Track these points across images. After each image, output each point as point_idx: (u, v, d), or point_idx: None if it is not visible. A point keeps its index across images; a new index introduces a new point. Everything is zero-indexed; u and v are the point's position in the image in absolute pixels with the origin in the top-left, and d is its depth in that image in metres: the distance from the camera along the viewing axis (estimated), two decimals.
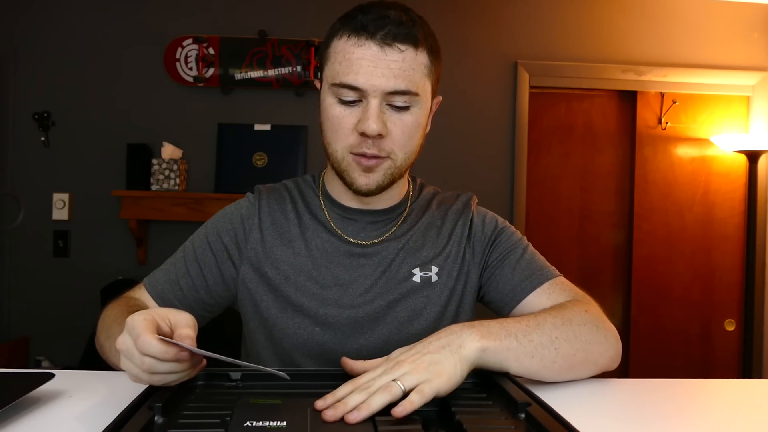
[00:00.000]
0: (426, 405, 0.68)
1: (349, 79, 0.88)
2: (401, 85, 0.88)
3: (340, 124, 0.91)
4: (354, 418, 0.63)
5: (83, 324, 2.65)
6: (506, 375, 0.78)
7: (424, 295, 0.99)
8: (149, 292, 1.01)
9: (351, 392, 0.68)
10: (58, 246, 2.85)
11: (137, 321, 0.68)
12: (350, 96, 0.89)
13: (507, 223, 1.09)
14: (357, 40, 0.88)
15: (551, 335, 0.83)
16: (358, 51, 0.88)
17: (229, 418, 0.62)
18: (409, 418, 0.64)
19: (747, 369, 2.95)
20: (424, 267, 1.00)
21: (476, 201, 1.09)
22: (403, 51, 0.88)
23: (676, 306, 3.10)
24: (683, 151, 3.11)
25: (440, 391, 0.69)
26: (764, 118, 3.08)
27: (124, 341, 0.68)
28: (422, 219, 1.05)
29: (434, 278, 1.00)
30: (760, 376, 2.98)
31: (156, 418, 0.62)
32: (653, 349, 3.06)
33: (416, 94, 0.90)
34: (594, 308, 0.92)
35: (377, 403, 0.65)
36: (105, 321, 0.93)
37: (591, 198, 3.13)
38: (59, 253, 2.85)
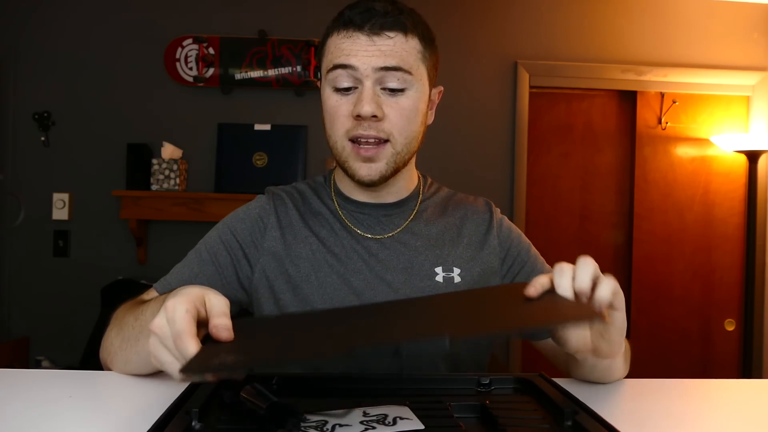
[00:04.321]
0: (467, 412, 0.67)
1: (341, 60, 0.90)
2: (392, 62, 0.90)
3: (337, 112, 0.93)
4: (534, 292, 0.68)
5: (83, 324, 2.65)
6: (546, 379, 0.76)
7: None
8: None
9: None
10: (58, 246, 2.85)
11: (179, 314, 0.61)
12: (345, 81, 0.91)
13: (521, 233, 1.08)
14: (346, 32, 0.91)
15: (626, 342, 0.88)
16: (348, 41, 0.91)
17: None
18: (451, 425, 0.62)
19: (747, 369, 2.95)
20: (447, 267, 0.98)
21: (494, 206, 1.09)
22: (392, 38, 0.91)
23: (676, 306, 3.10)
24: (683, 151, 3.11)
25: (608, 292, 0.69)
26: (764, 118, 3.08)
27: (160, 326, 0.62)
28: (440, 218, 1.04)
29: (457, 279, 0.98)
30: (760, 376, 2.97)
31: (193, 423, 0.61)
32: (653, 348, 3.06)
33: (409, 73, 0.91)
34: None
35: (603, 290, 0.68)
36: (119, 318, 0.90)
37: (591, 198, 3.13)
38: (59, 253, 2.85)
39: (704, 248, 3.11)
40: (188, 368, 0.57)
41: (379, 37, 0.90)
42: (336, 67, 0.91)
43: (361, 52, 0.90)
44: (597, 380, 0.91)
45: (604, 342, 0.74)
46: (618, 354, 0.79)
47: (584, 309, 0.66)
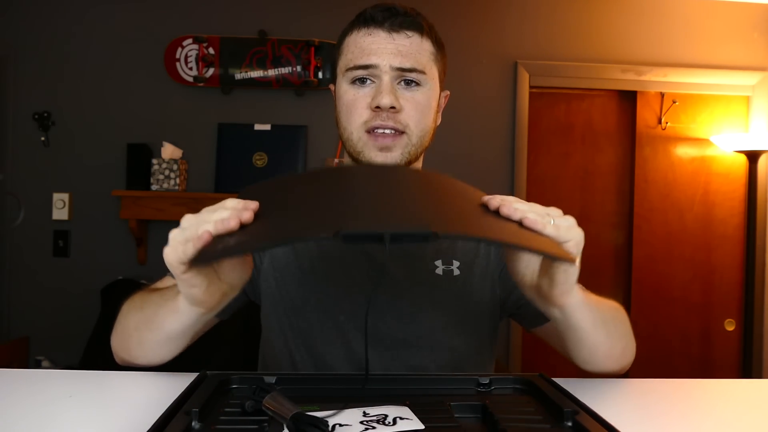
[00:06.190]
0: (467, 412, 0.67)
1: (362, 60, 0.95)
2: (409, 63, 0.94)
3: (355, 105, 0.96)
4: (508, 211, 0.68)
5: (83, 324, 2.65)
6: (546, 379, 0.76)
7: (446, 288, 0.99)
8: None
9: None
10: (58, 246, 2.85)
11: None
12: (363, 75, 0.95)
13: None
14: (367, 29, 0.96)
15: (610, 315, 0.91)
16: (368, 38, 0.95)
17: (266, 425, 0.61)
18: (451, 425, 0.62)
19: (747, 369, 2.95)
20: (446, 259, 1.00)
21: None
22: (410, 37, 0.95)
23: (676, 306, 3.10)
24: (683, 151, 3.11)
25: (581, 240, 0.70)
26: (764, 118, 3.08)
27: (187, 218, 0.68)
28: None
29: (456, 272, 1.00)
30: (760, 376, 2.97)
31: (193, 423, 0.61)
32: (653, 349, 3.06)
33: (423, 72, 0.96)
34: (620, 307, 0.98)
35: (531, 216, 0.68)
36: (136, 301, 0.89)
37: (591, 198, 3.13)
38: (59, 253, 2.85)
39: (704, 248, 3.11)
40: (197, 259, 0.63)
41: (398, 34, 0.95)
42: (356, 67, 0.95)
43: (380, 50, 0.94)
44: (586, 356, 0.89)
45: (546, 279, 0.73)
46: (564, 302, 0.76)
47: (556, 246, 0.67)
